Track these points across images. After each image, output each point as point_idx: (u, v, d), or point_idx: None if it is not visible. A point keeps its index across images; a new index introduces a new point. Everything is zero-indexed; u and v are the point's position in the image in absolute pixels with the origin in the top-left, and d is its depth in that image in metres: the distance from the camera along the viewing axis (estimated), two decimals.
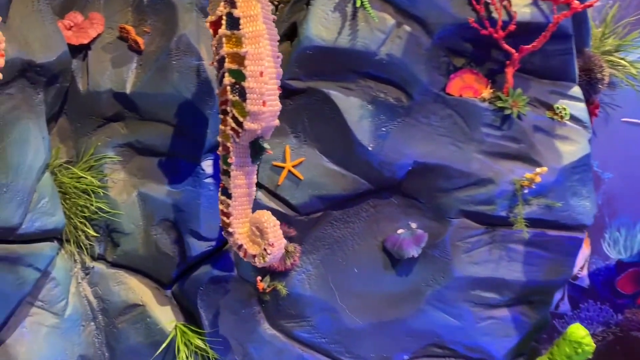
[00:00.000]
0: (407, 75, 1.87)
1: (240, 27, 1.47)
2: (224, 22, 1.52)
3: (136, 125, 2.07)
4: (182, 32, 1.93)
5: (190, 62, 1.95)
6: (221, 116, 1.68)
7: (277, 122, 1.61)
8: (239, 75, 1.53)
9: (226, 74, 1.56)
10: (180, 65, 1.95)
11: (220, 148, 1.73)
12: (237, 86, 1.55)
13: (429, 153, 1.91)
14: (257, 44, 1.47)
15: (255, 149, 1.65)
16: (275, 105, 1.57)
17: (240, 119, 1.57)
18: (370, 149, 1.90)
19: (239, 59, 1.50)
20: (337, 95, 1.90)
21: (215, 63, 1.63)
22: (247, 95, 1.51)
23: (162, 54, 1.95)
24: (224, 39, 1.53)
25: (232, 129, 1.62)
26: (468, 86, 1.88)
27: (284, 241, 1.68)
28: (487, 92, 1.88)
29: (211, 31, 1.60)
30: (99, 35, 2.04)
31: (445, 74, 1.90)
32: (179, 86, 1.96)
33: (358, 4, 1.80)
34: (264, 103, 1.51)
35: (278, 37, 1.56)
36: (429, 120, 1.91)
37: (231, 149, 1.67)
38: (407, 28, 1.84)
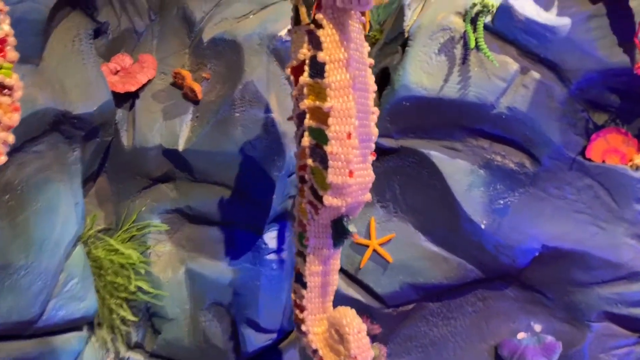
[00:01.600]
0: (534, 135, 1.46)
1: (326, 74, 1.11)
2: (307, 67, 1.17)
3: (188, 187, 1.72)
4: (249, 78, 1.58)
5: (257, 115, 1.59)
6: (299, 185, 1.30)
7: (367, 197, 1.21)
8: (320, 136, 1.16)
9: (306, 133, 1.21)
10: (245, 118, 1.60)
11: (295, 223, 1.34)
12: (318, 150, 1.17)
13: (562, 235, 1.48)
14: (345, 97, 1.10)
15: (338, 230, 1.25)
16: (365, 176, 1.17)
17: (320, 192, 1.18)
18: (482, 226, 1.48)
19: (322, 115, 1.14)
20: (439, 156, 1.50)
21: (294, 118, 1.28)
22: (330, 162, 1.13)
23: (224, 104, 1.61)
24: (305, 89, 1.17)
25: (310, 202, 1.25)
26: (614, 149, 1.46)
27: (371, 353, 1.27)
28: (638, 158, 1.45)
29: (292, 79, 1.24)
30: (149, 81, 1.73)
31: (584, 133, 1.48)
32: (242, 143, 1.61)
33: (472, 44, 1.42)
34: (350, 173, 1.12)
35: (375, 88, 1.18)
36: (563, 193, 1.48)
37: (308, 227, 1.28)
38: (535, 75, 1.44)
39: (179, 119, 1.68)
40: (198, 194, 1.70)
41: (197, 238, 1.73)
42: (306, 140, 1.20)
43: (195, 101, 1.69)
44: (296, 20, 1.19)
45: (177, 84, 1.70)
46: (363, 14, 1.18)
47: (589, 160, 1.46)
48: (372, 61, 1.19)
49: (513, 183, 1.49)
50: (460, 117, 1.48)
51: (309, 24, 1.15)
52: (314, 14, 1.13)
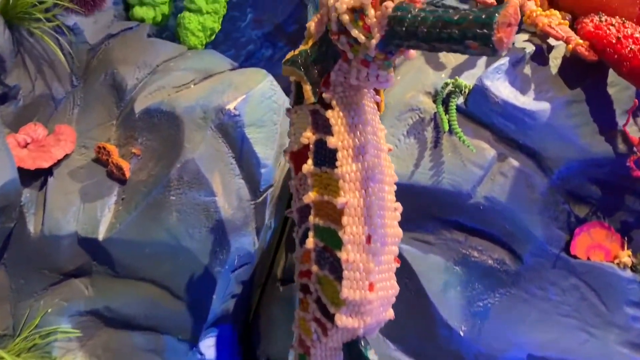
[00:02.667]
0: (515, 228, 1.30)
1: (338, 163, 0.91)
2: (311, 154, 0.97)
3: (108, 284, 1.41)
4: (189, 156, 1.35)
5: (196, 199, 1.35)
6: (300, 294, 1.07)
7: (390, 314, 0.99)
8: (331, 239, 0.94)
9: (310, 233, 0.98)
10: (182, 203, 1.35)
11: (295, 342, 1.10)
12: (328, 255, 0.96)
13: (549, 343, 1.29)
14: (363, 192, 0.90)
15: (352, 357, 0.99)
16: (389, 288, 0.96)
17: (331, 309, 0.95)
18: (461, 333, 1.28)
19: (333, 212, 0.93)
20: (410, 251, 1.31)
21: (295, 213, 1.06)
22: (344, 272, 0.91)
23: (157, 185, 1.36)
24: (310, 180, 0.97)
25: (317, 320, 1.01)
26: (598, 245, 1.32)
27: None
28: (625, 255, 1.32)
29: (291, 165, 1.03)
30: (66, 156, 1.45)
31: (566, 227, 1.34)
32: (177, 232, 1.35)
33: (445, 127, 1.28)
34: (370, 287, 0.91)
35: (396, 179, 0.99)
36: (547, 294, 1.31)
37: (312, 350, 1.04)
38: (514, 162, 1.30)
39: (101, 201, 1.40)
40: (120, 293, 1.40)
41: (116, 347, 1.41)
42: (311, 242, 0.97)
43: (122, 181, 1.42)
44: (297, 98, 0.99)
45: (101, 160, 1.44)
46: (377, 92, 1.00)
47: (574, 257, 1.32)
48: (390, 147, 1.00)
49: (493, 282, 1.31)
50: (434, 207, 1.31)
51: (314, 104, 0.96)
52: (321, 92, 0.94)
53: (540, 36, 1.38)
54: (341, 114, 0.92)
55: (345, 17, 0.83)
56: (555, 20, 1.33)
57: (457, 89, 1.32)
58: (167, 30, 1.83)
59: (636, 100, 1.24)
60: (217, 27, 1.75)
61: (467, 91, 1.32)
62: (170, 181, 1.35)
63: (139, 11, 1.67)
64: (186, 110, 1.39)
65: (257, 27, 1.97)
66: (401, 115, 1.34)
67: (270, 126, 1.45)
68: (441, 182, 1.29)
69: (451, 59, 1.41)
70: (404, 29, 0.75)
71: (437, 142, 1.32)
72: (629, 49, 1.18)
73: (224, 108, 1.38)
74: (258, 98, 1.44)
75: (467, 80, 1.33)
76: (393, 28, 0.77)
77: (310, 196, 0.95)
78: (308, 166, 0.96)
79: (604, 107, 1.31)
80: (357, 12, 0.82)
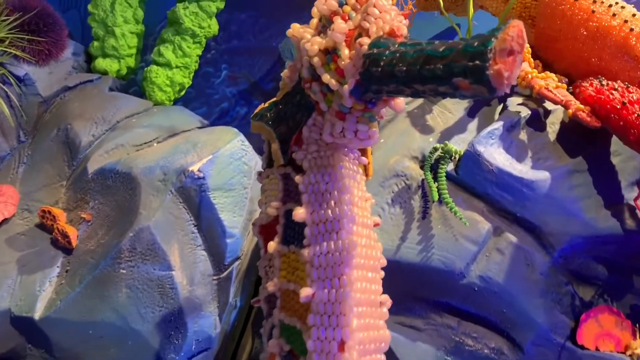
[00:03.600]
0: (514, 313, 1.14)
1: (305, 242, 0.75)
2: (280, 227, 0.81)
3: None
4: (144, 223, 1.19)
5: (150, 273, 1.17)
6: None
7: None
8: (297, 341, 0.77)
9: (275, 330, 0.81)
10: (134, 277, 1.17)
11: None
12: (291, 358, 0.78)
13: None
14: (336, 281, 0.72)
15: None
16: None
17: None
18: None
19: (299, 306, 0.76)
20: (396, 338, 1.13)
21: (262, 303, 0.87)
22: None
23: (106, 256, 1.18)
24: (277, 261, 0.81)
25: None
26: (606, 333, 1.17)
27: None
28: (637, 345, 1.16)
29: (260, 242, 0.87)
30: (5, 220, 1.28)
31: (570, 312, 1.18)
32: (126, 311, 1.16)
33: (434, 196, 1.14)
34: None
35: (384, 263, 0.82)
36: None
37: None
38: (512, 238, 1.16)
39: (41, 273, 1.22)
40: None
41: None
42: (274, 344, 0.78)
43: (67, 250, 1.24)
44: (268, 160, 0.83)
45: (45, 225, 1.26)
46: (363, 152, 0.86)
47: (581, 347, 1.16)
48: (378, 220, 0.85)
49: None
50: (422, 287, 1.15)
51: (284, 166, 0.81)
52: (292, 152, 0.80)
53: (536, 100, 1.28)
54: (313, 179, 0.77)
55: (316, 60, 0.69)
56: (552, 83, 1.23)
57: (446, 155, 1.19)
58: (134, 84, 1.71)
59: None
60: (187, 82, 1.63)
61: (457, 157, 1.20)
62: (121, 252, 1.18)
63: (101, 63, 1.54)
64: (144, 172, 1.24)
65: (232, 84, 1.86)
66: (385, 182, 1.20)
67: (239, 190, 1.29)
68: (431, 258, 1.14)
69: (439, 121, 1.29)
70: (379, 69, 0.60)
71: (425, 213, 1.18)
72: (635, 115, 1.07)
73: (187, 169, 1.23)
74: (226, 159, 1.29)
75: (457, 145, 1.21)
76: (368, 69, 0.61)
77: (275, 282, 0.78)
78: (274, 244, 0.80)
79: (608, 178, 1.18)
80: (330, 54, 0.68)
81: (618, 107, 1.10)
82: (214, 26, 1.65)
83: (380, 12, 0.66)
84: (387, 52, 0.60)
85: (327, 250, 0.72)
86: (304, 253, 0.73)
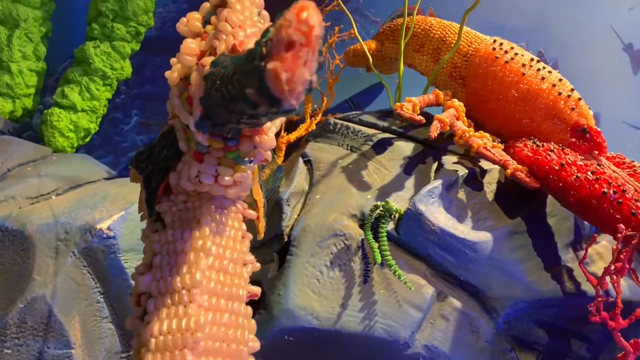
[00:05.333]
0: None
1: (146, 318, 0.61)
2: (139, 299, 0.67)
3: None
4: (38, 292, 0.99)
5: (43, 353, 0.97)
6: None
7: None
8: None
9: None
10: (23, 358, 0.96)
11: None
12: None
13: None
14: None
15: None
16: None
17: None
18: None
19: None
20: None
21: None
22: None
23: None
24: (134, 340, 0.64)
25: None
26: None
27: None
28: None
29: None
30: None
31: None
32: None
33: (377, 258, 1.06)
34: None
35: (257, 347, 0.68)
36: None
37: None
38: (456, 303, 1.09)
39: None
40: None
41: None
42: None
43: None
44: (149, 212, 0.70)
45: None
46: (256, 205, 0.74)
47: None
48: (255, 290, 0.73)
49: None
50: (367, 358, 1.04)
51: (154, 221, 0.68)
52: (158, 202, 0.67)
53: (471, 158, 1.26)
54: (171, 237, 0.64)
55: (174, 90, 0.59)
56: (489, 143, 1.22)
57: (387, 213, 1.12)
58: (29, 128, 1.51)
59: (596, 235, 1.12)
60: (93, 127, 1.46)
61: (397, 216, 1.13)
62: (7, 327, 0.97)
63: None
64: (40, 230, 1.05)
65: (142, 132, 1.71)
66: (323, 242, 1.10)
67: None
68: (374, 327, 1.04)
69: (375, 177, 1.23)
70: (209, 92, 0.48)
71: (366, 277, 1.08)
72: (574, 177, 1.07)
73: (94, 227, 1.06)
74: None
75: (395, 203, 1.15)
76: (209, 94, 0.49)
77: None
78: (129, 319, 0.65)
79: (546, 239, 1.17)
80: (187, 80, 0.58)
81: (557, 168, 1.10)
82: (127, 69, 1.51)
83: (233, 28, 0.57)
84: (217, 71, 0.48)
85: (168, 330, 0.58)
86: (143, 332, 0.60)
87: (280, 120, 0.84)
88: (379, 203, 1.12)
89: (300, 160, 1.32)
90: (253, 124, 0.50)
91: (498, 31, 1.46)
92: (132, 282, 1.05)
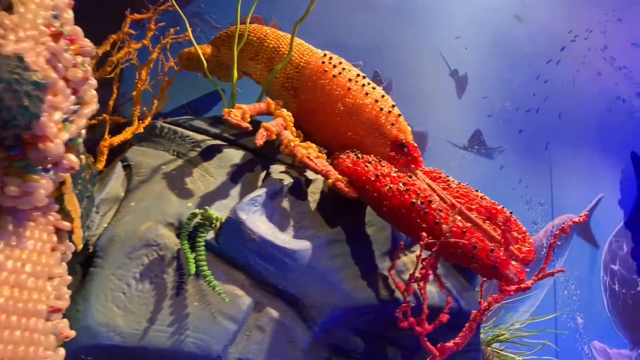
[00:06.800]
0: None
1: None
2: None
3: None
4: None
5: None
6: None
7: None
8: None
9: None
10: None
11: None
12: None
13: None
14: None
15: None
16: None
17: None
18: None
19: None
20: None
21: None
22: None
23: None
24: None
25: None
26: None
27: None
28: None
29: None
30: None
31: None
32: None
33: (191, 269, 1.00)
34: None
35: (43, 348, 0.63)
36: None
37: None
38: (273, 313, 1.07)
39: None
40: None
41: None
42: None
43: None
44: None
45: None
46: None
47: None
48: (62, 305, 0.66)
49: None
50: None
51: None
52: None
53: (298, 168, 1.27)
54: None
55: None
56: (313, 153, 1.23)
57: (206, 222, 1.07)
58: None
59: (402, 243, 1.17)
60: None
61: (218, 225, 1.09)
62: None
63: None
64: None
65: None
66: (133, 252, 1.02)
67: None
68: (184, 342, 0.98)
69: (200, 185, 1.18)
70: None
71: (180, 289, 1.02)
72: (387, 187, 1.11)
73: None
74: None
75: (219, 212, 1.11)
76: None
77: None
78: None
79: (364, 248, 1.20)
80: None
81: (372, 179, 1.14)
82: None
83: (5, 31, 0.55)
84: None
85: None
86: None
87: (82, 123, 0.77)
88: (197, 211, 1.07)
89: (119, 165, 1.23)
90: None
91: (338, 49, 1.50)
92: None
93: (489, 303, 1.13)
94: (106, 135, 1.46)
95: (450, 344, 1.10)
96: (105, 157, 1.44)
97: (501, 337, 1.79)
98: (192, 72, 1.61)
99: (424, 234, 1.02)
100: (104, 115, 1.49)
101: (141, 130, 1.47)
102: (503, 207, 1.28)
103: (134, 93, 1.53)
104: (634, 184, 2.77)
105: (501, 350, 1.77)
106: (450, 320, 1.26)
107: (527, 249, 1.23)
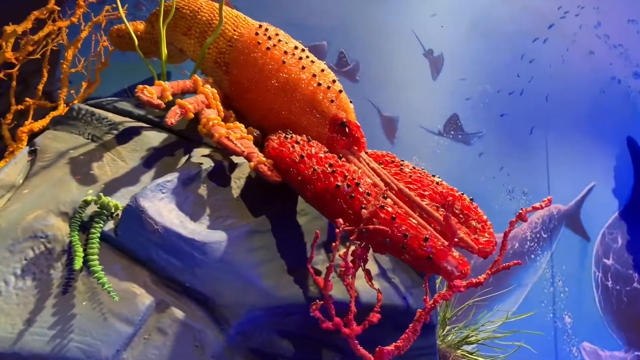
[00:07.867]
0: None
1: None
2: None
3: None
4: None
5: None
6: None
7: None
8: None
9: None
10: None
11: None
12: None
13: None
14: None
15: None
16: None
17: None
18: None
19: None
20: None
21: None
22: None
23: None
24: None
25: None
26: None
27: None
28: None
29: None
30: None
31: None
32: None
33: (77, 264, 0.88)
34: None
35: None
36: None
37: None
38: (178, 314, 0.94)
39: None
40: None
41: None
42: None
43: None
44: None
45: None
46: None
47: None
48: None
49: None
50: None
51: None
52: None
53: (224, 152, 1.13)
54: None
55: None
56: (237, 133, 1.10)
57: (103, 210, 0.95)
58: None
59: (317, 232, 1.02)
60: None
61: (117, 214, 0.96)
62: None
63: None
64: None
65: None
66: (16, 245, 0.90)
67: None
68: (67, 347, 0.86)
69: (107, 170, 1.06)
70: None
71: (68, 286, 0.90)
72: (312, 169, 0.98)
73: None
74: None
75: (124, 200, 0.98)
76: None
77: None
78: None
79: (293, 240, 1.07)
80: None
81: (297, 160, 1.00)
82: None
83: None
84: None
85: None
86: None
87: None
88: (89, 198, 0.94)
89: (25, 150, 1.11)
90: None
91: (298, 28, 1.37)
92: None
93: (434, 301, 0.99)
94: (29, 120, 1.34)
95: (390, 347, 0.96)
96: (25, 143, 1.32)
97: (471, 339, 1.65)
98: (125, 51, 1.48)
99: (340, 220, 0.88)
100: (27, 100, 1.37)
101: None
102: (463, 194, 1.14)
103: (62, 75, 1.41)
104: (631, 172, 2.60)
105: (472, 354, 1.62)
106: (397, 320, 1.13)
107: (486, 239, 1.09)
